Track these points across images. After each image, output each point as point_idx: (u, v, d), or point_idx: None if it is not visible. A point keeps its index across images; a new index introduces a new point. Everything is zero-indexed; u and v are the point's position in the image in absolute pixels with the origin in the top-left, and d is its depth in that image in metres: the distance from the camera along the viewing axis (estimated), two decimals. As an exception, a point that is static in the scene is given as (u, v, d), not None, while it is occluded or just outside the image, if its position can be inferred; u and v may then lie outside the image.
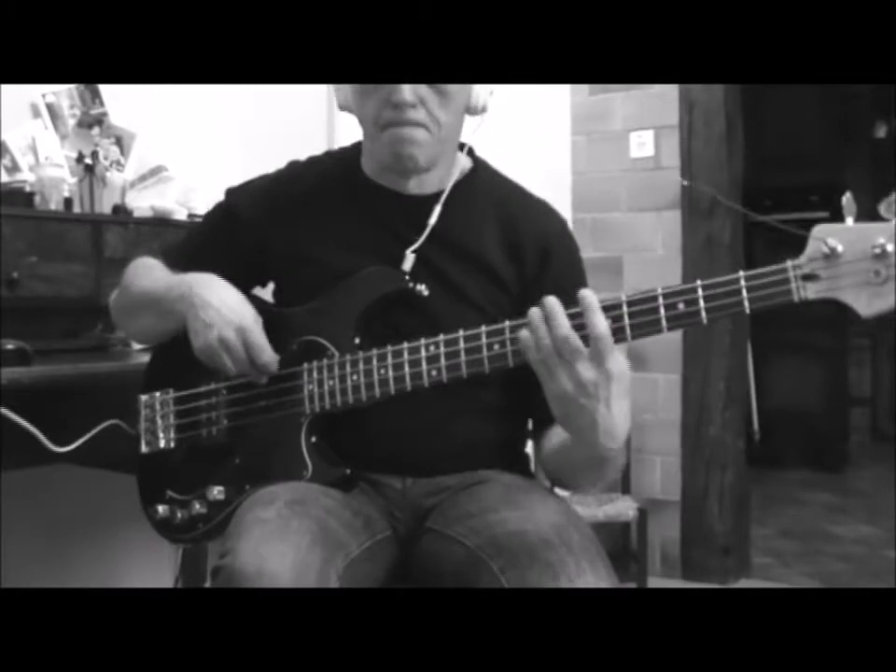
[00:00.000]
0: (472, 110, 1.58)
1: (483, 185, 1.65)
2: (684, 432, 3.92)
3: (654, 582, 3.68)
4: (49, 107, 2.69)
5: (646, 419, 3.94)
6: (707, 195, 3.82)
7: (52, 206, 2.43)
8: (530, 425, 1.65)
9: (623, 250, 4.01)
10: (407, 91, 1.47)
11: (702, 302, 1.25)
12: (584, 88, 4.07)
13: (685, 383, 3.90)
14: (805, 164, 5.79)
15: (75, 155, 2.60)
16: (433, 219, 1.58)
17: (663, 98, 3.89)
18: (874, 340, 6.64)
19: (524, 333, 1.29)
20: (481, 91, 1.56)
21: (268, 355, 1.54)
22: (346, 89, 1.56)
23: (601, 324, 1.25)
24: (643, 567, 3.50)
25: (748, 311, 1.24)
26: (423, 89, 1.48)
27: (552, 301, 1.27)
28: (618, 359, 1.26)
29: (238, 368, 1.54)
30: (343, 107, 1.59)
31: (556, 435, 1.50)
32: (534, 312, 1.28)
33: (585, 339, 1.26)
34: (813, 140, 5.96)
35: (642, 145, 3.96)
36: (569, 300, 1.28)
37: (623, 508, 3.50)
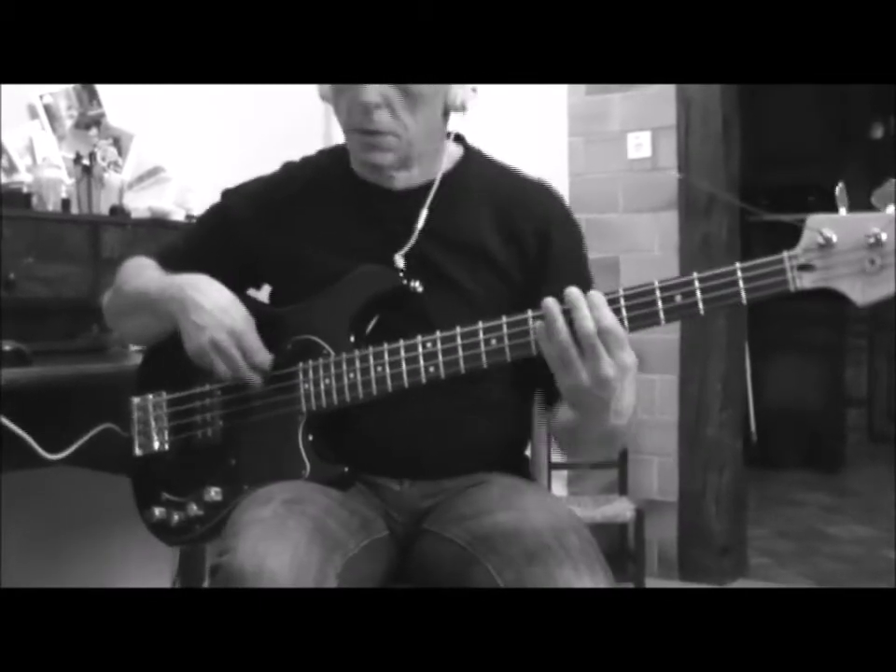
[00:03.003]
0: (451, 108, 1.56)
1: (476, 172, 1.64)
2: (681, 433, 3.92)
3: (651, 583, 3.68)
4: (47, 108, 2.69)
5: (643, 420, 3.93)
6: (704, 195, 3.83)
7: (50, 207, 2.43)
8: (533, 416, 1.65)
9: (619, 251, 4.01)
10: (372, 93, 1.46)
11: (699, 294, 1.26)
12: (581, 88, 4.07)
13: (682, 383, 3.90)
14: (802, 164, 5.80)
15: (72, 156, 2.60)
16: (423, 214, 1.58)
17: (660, 99, 3.89)
18: (871, 340, 6.65)
19: (539, 323, 1.29)
20: (459, 90, 1.54)
21: (261, 356, 1.54)
22: (326, 84, 1.55)
23: (608, 317, 1.25)
24: (640, 567, 3.50)
25: (744, 302, 1.24)
26: (389, 90, 1.47)
27: (574, 293, 1.27)
28: (629, 350, 1.27)
29: (231, 370, 1.54)
30: (323, 98, 1.58)
31: (566, 412, 1.47)
32: (550, 302, 1.27)
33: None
34: (811, 140, 5.96)
35: (639, 146, 3.96)
36: (575, 279, 1.30)
37: (621, 508, 3.51)
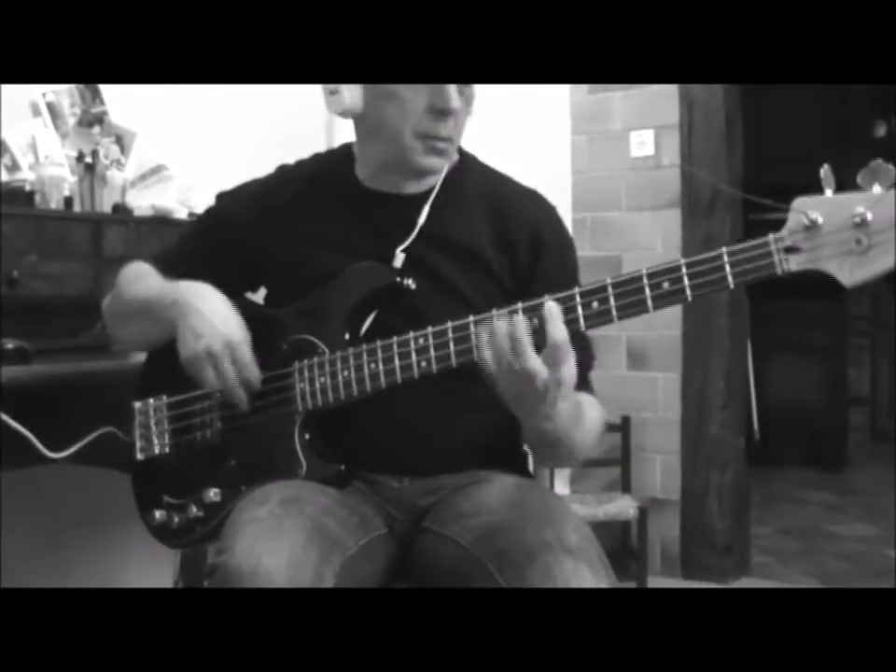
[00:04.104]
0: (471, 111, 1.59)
1: (472, 178, 1.65)
2: (684, 431, 3.92)
3: (654, 581, 3.68)
4: (50, 106, 2.69)
5: (646, 418, 3.94)
6: (707, 193, 3.83)
7: (53, 205, 2.43)
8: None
9: (622, 249, 4.00)
10: (455, 102, 1.49)
11: (686, 280, 1.26)
12: (584, 87, 4.06)
13: (685, 381, 3.90)
14: (804, 163, 5.77)
15: (75, 154, 2.60)
16: (422, 217, 1.58)
17: (662, 97, 3.89)
18: (873, 339, 6.64)
19: (478, 332, 1.34)
20: (477, 95, 1.56)
21: (254, 373, 1.54)
22: (356, 92, 1.53)
23: (558, 331, 1.28)
24: (643, 565, 3.50)
25: (731, 286, 1.24)
26: (458, 99, 1.50)
27: (516, 319, 1.31)
28: (570, 365, 1.30)
29: (220, 381, 1.53)
30: (345, 112, 1.55)
31: None
32: (497, 315, 1.34)
33: (542, 341, 1.30)
34: (812, 139, 5.96)
35: (642, 144, 3.96)
36: (562, 288, 1.32)
37: (623, 506, 3.51)
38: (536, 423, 1.37)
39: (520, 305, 1.34)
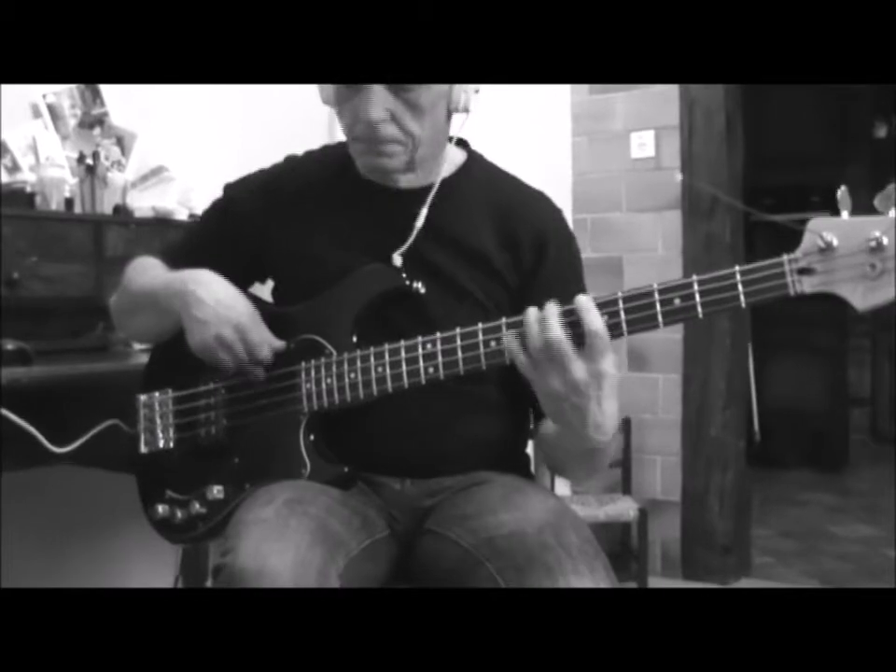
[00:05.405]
0: (454, 110, 1.56)
1: (477, 177, 1.65)
2: (684, 432, 3.91)
3: (655, 582, 3.68)
4: (50, 107, 2.69)
5: (646, 419, 3.94)
6: (707, 195, 3.82)
7: (53, 207, 2.43)
8: (531, 421, 1.65)
9: (623, 250, 4.01)
10: (376, 109, 1.46)
11: (698, 297, 1.25)
12: (584, 87, 4.06)
13: (686, 382, 3.90)
14: (805, 164, 5.80)
15: (76, 155, 2.60)
16: (423, 213, 1.58)
17: (663, 98, 3.89)
18: (873, 340, 6.64)
19: (507, 338, 1.32)
20: (461, 92, 1.53)
21: (266, 350, 1.54)
22: (329, 88, 1.55)
23: (596, 321, 1.26)
24: (643, 566, 3.50)
25: (743, 305, 1.24)
26: (393, 103, 1.47)
27: (549, 306, 1.29)
28: (611, 359, 1.27)
29: (237, 364, 1.54)
30: (325, 102, 1.57)
31: (550, 424, 1.50)
32: (530, 312, 1.30)
33: (580, 336, 1.26)
34: (813, 140, 5.96)
35: (643, 145, 3.96)
36: (566, 290, 1.31)
37: (624, 508, 3.51)
38: (584, 434, 1.32)
39: (558, 308, 1.30)
